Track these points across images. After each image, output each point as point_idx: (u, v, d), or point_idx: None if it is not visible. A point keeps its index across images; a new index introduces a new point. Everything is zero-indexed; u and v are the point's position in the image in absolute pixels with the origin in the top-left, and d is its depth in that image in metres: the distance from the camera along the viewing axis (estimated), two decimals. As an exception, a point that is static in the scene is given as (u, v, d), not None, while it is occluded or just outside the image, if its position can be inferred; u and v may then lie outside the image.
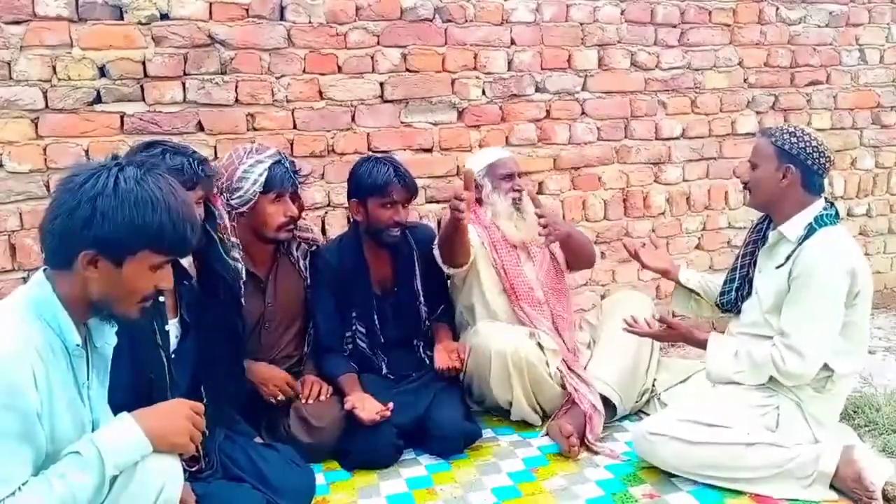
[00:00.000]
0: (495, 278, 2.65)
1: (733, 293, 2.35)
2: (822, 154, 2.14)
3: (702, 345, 2.29)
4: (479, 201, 2.71)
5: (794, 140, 2.14)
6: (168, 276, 1.42)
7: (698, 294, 2.56)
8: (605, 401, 2.48)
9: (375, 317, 2.57)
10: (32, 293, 1.34)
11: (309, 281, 2.54)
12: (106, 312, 1.39)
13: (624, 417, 2.61)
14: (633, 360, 2.55)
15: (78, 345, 1.35)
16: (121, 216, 1.29)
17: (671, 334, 2.38)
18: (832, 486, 2.03)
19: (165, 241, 1.35)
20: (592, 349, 2.69)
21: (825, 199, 2.20)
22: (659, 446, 2.12)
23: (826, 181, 2.22)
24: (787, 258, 2.13)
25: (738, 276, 2.35)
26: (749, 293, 2.31)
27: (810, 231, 2.11)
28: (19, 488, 1.21)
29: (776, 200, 2.19)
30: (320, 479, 2.21)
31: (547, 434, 2.48)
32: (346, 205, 2.69)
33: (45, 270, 1.36)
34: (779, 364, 2.09)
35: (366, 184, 2.46)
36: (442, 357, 2.51)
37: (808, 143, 2.13)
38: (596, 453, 2.36)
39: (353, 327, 2.55)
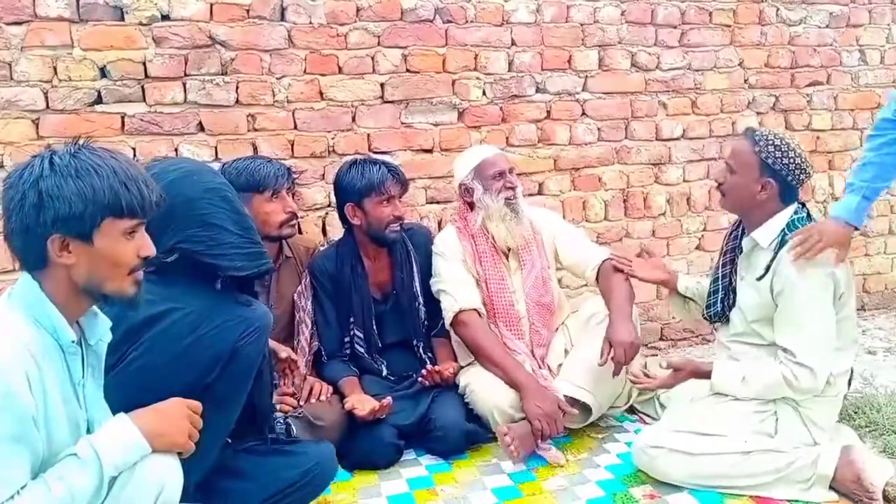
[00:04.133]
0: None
1: (719, 304, 2.33)
2: (803, 170, 2.13)
3: (708, 376, 2.23)
4: (469, 205, 2.60)
5: (778, 154, 2.11)
6: (147, 242, 1.39)
7: (693, 300, 2.56)
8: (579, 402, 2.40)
9: (374, 321, 2.57)
10: (21, 295, 1.32)
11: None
12: (100, 295, 1.36)
13: (623, 418, 2.61)
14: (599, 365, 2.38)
15: (73, 341, 1.33)
16: (67, 190, 1.27)
17: (679, 377, 2.29)
18: (832, 488, 2.03)
19: (123, 203, 1.31)
20: (568, 353, 2.59)
21: (797, 201, 2.20)
22: (658, 459, 2.12)
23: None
24: (767, 269, 2.13)
25: (720, 286, 2.33)
26: (735, 302, 2.29)
27: (784, 238, 2.11)
28: (18, 492, 1.20)
29: (749, 208, 2.19)
30: (321, 479, 2.22)
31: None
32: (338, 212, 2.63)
33: (30, 273, 1.34)
34: (792, 383, 2.06)
35: (361, 185, 2.46)
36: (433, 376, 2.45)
37: (791, 159, 2.11)
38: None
39: (351, 332, 2.55)
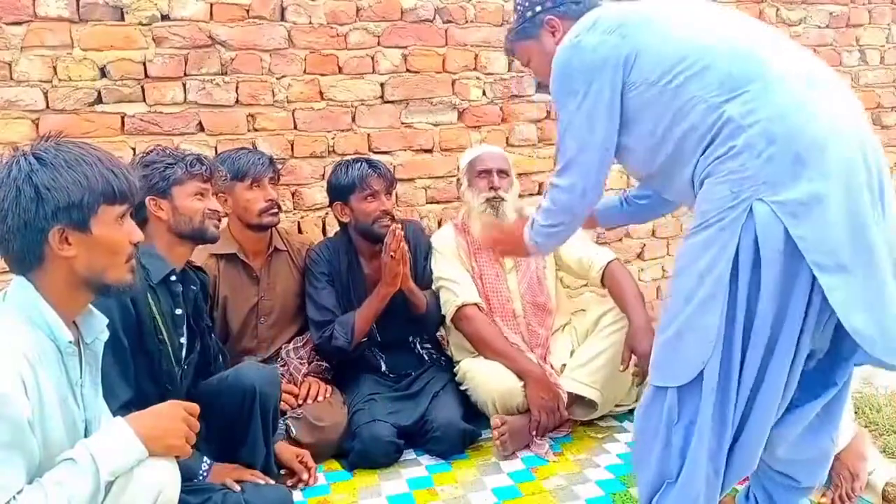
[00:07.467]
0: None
1: None
2: None
3: None
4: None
5: None
6: (135, 228, 1.41)
7: None
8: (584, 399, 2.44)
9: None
10: (15, 297, 1.31)
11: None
12: (100, 286, 1.37)
13: (624, 418, 2.61)
14: (610, 362, 2.43)
15: (70, 342, 1.32)
16: (63, 180, 1.28)
17: None
18: None
19: (114, 189, 1.33)
20: (573, 353, 2.59)
21: None
22: None
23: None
24: None
25: None
26: None
27: None
28: (14, 497, 1.19)
29: None
30: (321, 479, 2.22)
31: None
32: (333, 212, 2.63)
33: (24, 275, 1.33)
34: None
35: (344, 183, 2.50)
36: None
37: None
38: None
39: None
